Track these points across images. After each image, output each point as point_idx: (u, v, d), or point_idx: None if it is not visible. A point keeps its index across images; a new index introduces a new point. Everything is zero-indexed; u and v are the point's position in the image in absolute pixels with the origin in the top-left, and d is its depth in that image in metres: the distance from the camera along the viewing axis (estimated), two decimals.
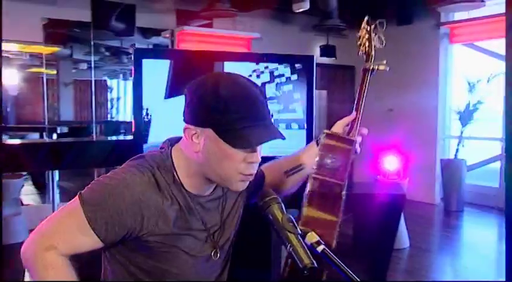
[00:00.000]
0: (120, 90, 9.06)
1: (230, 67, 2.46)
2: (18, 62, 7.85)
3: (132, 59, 2.24)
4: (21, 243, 1.34)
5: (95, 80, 7.33)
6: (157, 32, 7.39)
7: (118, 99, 8.97)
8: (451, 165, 7.16)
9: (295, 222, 1.26)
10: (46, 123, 7.01)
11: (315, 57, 2.74)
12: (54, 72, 7.67)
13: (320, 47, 8.09)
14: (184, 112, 1.32)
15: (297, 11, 6.37)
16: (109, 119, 8.49)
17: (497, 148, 7.35)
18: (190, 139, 1.30)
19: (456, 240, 6.25)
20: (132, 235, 1.29)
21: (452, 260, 5.49)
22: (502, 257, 5.63)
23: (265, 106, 1.30)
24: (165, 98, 2.24)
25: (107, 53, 8.02)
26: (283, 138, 1.29)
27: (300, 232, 1.24)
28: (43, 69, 7.09)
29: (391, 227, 2.99)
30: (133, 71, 2.19)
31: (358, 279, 1.18)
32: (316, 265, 1.19)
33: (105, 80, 8.62)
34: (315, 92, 8.67)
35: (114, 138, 7.57)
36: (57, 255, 1.25)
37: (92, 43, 6.84)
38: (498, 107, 7.18)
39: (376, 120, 8.13)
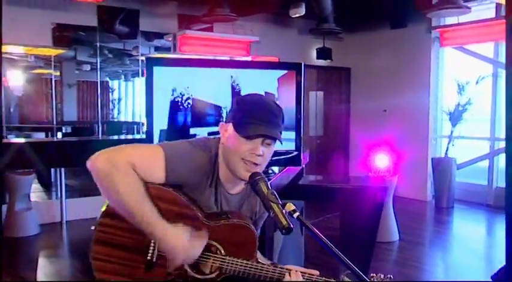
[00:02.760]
0: (122, 91, 9.26)
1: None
2: (23, 64, 8.10)
3: (144, 66, 2.51)
4: (33, 235, 1.63)
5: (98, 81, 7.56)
6: (160, 36, 7.67)
7: (119, 100, 9.16)
8: (442, 163, 7.46)
9: (276, 195, 1.63)
10: (54, 123, 7.28)
11: (303, 63, 2.97)
12: (58, 73, 7.93)
13: (316, 49, 8.38)
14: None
15: (294, 16, 6.66)
16: (110, 119, 8.68)
17: (485, 147, 7.65)
18: (221, 132, 1.77)
19: (446, 235, 6.54)
20: (179, 184, 1.72)
21: (443, 253, 5.74)
22: (490, 250, 5.92)
23: (273, 116, 1.72)
24: None
25: (110, 55, 8.26)
26: (279, 139, 1.72)
27: (280, 202, 1.60)
28: (48, 71, 7.36)
29: (374, 217, 3.27)
30: (145, 78, 2.48)
31: (330, 244, 1.49)
32: (292, 226, 1.54)
33: (107, 81, 8.82)
34: (313, 93, 8.95)
35: (122, 137, 7.78)
36: (136, 173, 1.63)
37: (98, 45, 7.10)
38: (486, 108, 7.49)
39: (371, 120, 8.45)
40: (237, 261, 1.71)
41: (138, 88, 8.58)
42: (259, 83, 2.87)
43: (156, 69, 2.50)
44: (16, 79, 8.86)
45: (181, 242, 1.64)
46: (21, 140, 7.10)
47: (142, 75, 7.76)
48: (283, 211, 1.57)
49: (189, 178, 1.71)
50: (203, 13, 6.96)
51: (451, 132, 7.47)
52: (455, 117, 7.37)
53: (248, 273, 1.72)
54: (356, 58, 8.84)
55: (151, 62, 2.52)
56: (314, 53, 8.44)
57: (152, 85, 2.50)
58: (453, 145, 7.48)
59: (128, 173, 1.61)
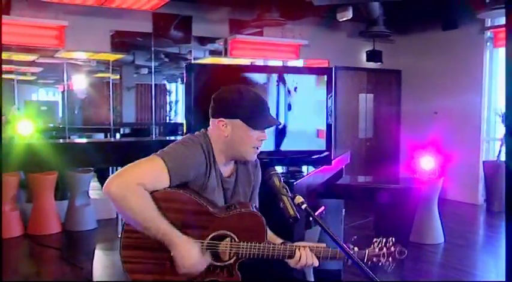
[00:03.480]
0: (179, 94, 9.55)
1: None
2: (86, 69, 8.58)
3: (184, 72, 2.72)
4: (91, 229, 1.89)
5: (155, 84, 7.86)
6: (212, 40, 7.95)
7: (176, 102, 9.46)
8: (494, 166, 7.32)
9: (287, 188, 1.87)
10: (113, 124, 7.69)
11: (334, 68, 3.07)
12: (118, 77, 8.34)
13: (366, 52, 8.40)
14: (212, 110, 2.02)
15: (341, 20, 6.74)
16: (168, 120, 8.99)
17: None
18: (221, 127, 1.98)
19: (498, 239, 6.39)
20: (185, 182, 1.93)
21: (494, 258, 5.58)
22: None
23: (267, 104, 2.04)
24: None
25: (166, 59, 8.60)
26: (280, 124, 2.08)
27: (290, 195, 1.83)
28: (109, 74, 7.79)
29: (406, 217, 3.34)
30: (185, 82, 2.69)
31: (335, 236, 1.63)
32: (298, 216, 1.77)
33: (164, 84, 9.13)
34: (363, 95, 8.96)
35: (179, 138, 8.05)
36: (145, 190, 1.83)
37: (153, 50, 7.45)
38: None
39: (422, 122, 8.38)
40: (250, 245, 1.89)
41: None
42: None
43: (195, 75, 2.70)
44: (79, 83, 9.38)
45: (191, 254, 1.85)
46: (83, 140, 7.60)
47: None
48: (292, 202, 1.77)
49: (190, 175, 1.93)
50: (253, 18, 7.17)
51: (504, 134, 7.31)
52: None
53: (262, 255, 1.90)
54: (407, 60, 8.79)
55: (190, 68, 2.72)
56: (364, 56, 8.47)
57: (191, 89, 2.70)
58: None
59: (139, 194, 1.82)
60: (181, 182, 1.92)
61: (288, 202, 1.78)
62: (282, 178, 1.90)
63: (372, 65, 8.57)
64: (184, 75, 2.72)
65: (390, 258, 1.92)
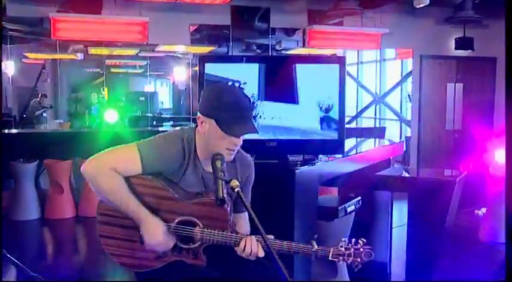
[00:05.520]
0: None
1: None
2: (185, 61, 9.12)
3: (197, 63, 2.89)
4: None
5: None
6: (293, 31, 8.04)
7: None
8: None
9: (225, 173, 1.94)
10: (190, 113, 8.15)
11: (345, 57, 3.04)
12: None
13: (455, 39, 7.95)
14: (199, 105, 2.08)
15: (418, 7, 6.47)
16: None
17: None
18: (200, 124, 2.06)
19: None
20: (158, 172, 2.08)
21: None
22: None
23: (249, 111, 2.08)
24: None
25: (258, 51, 8.84)
26: (257, 133, 2.07)
27: (226, 179, 1.90)
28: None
29: (440, 209, 3.24)
30: (198, 74, 2.86)
31: (260, 225, 1.71)
32: (226, 199, 1.87)
33: None
34: (451, 85, 8.49)
35: None
36: (117, 173, 2.01)
37: (231, 43, 7.70)
38: None
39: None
40: (213, 233, 2.01)
41: None
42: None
43: (208, 66, 2.88)
44: (179, 75, 10.00)
45: (156, 232, 2.00)
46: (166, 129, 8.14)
47: None
48: (224, 186, 1.88)
49: (163, 166, 2.06)
50: (329, 8, 7.14)
51: None
52: None
53: (225, 242, 2.02)
54: (503, 47, 8.16)
55: (203, 60, 2.89)
56: (453, 43, 8.02)
57: (203, 80, 2.88)
58: None
59: (110, 176, 1.99)
60: (154, 171, 2.06)
61: (221, 185, 1.87)
62: (224, 162, 1.99)
63: (461, 53, 8.10)
64: (198, 67, 2.89)
65: (359, 259, 1.94)
